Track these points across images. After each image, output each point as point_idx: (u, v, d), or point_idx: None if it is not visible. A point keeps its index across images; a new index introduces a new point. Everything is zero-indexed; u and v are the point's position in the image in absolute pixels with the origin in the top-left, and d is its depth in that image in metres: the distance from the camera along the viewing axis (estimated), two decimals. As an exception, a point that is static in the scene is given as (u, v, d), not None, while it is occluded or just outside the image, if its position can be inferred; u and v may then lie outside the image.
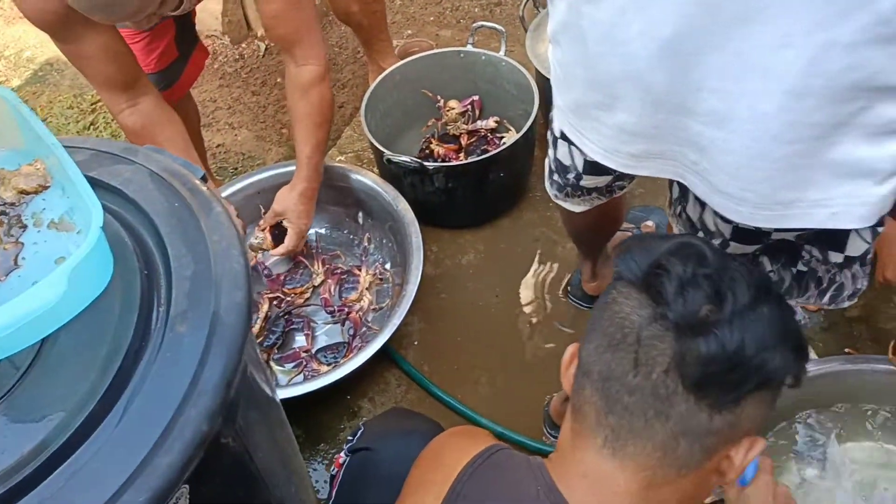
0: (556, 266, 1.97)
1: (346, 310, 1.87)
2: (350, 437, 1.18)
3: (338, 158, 2.27)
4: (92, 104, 2.79)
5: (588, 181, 1.23)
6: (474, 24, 2.15)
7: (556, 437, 1.60)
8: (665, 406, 0.72)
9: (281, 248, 1.86)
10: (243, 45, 2.87)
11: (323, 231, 2.06)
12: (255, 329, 1.82)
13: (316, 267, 1.96)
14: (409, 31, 2.81)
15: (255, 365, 0.89)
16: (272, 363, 1.79)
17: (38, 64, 3.07)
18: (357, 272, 1.94)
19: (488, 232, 2.07)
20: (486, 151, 2.04)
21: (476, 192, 1.97)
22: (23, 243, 0.77)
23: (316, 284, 1.94)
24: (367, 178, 1.94)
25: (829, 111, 0.83)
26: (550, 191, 1.36)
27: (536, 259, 1.99)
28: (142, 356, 0.71)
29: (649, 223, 1.98)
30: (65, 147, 0.79)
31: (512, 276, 1.96)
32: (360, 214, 2.00)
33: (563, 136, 1.17)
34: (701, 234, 1.14)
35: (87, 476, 0.63)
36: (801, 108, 0.83)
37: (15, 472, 0.63)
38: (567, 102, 1.10)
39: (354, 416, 1.74)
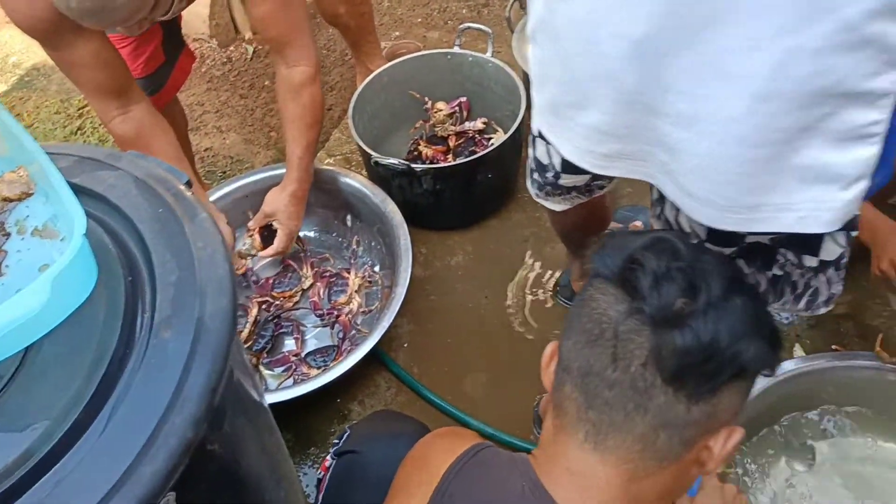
0: (544, 266, 1.97)
1: (336, 313, 1.87)
2: (336, 441, 1.18)
3: (326, 161, 2.26)
4: (79, 109, 2.78)
5: (566, 180, 1.23)
6: (461, 26, 2.16)
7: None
8: (644, 399, 0.73)
9: (270, 250, 1.85)
10: (231, 49, 2.87)
11: (312, 234, 2.06)
12: (245, 333, 1.82)
13: (305, 270, 1.96)
14: (397, 33, 2.81)
15: (242, 370, 0.89)
16: (262, 367, 1.79)
17: (24, 69, 3.06)
18: (346, 275, 1.94)
19: (477, 233, 2.07)
20: (474, 153, 2.04)
21: (464, 193, 1.97)
22: (6, 251, 0.77)
23: (305, 288, 1.93)
24: (356, 181, 1.94)
25: (796, 116, 0.83)
26: (531, 190, 1.36)
27: (525, 259, 1.99)
28: (126, 363, 0.70)
29: (637, 223, 1.97)
30: (48, 153, 0.78)
31: (501, 276, 1.96)
32: (349, 217, 2.00)
33: (541, 135, 1.17)
34: (678, 234, 1.15)
35: (72, 485, 0.63)
36: (767, 112, 0.83)
37: (-1, 481, 0.62)
38: (544, 101, 1.10)
39: (344, 419, 1.74)
